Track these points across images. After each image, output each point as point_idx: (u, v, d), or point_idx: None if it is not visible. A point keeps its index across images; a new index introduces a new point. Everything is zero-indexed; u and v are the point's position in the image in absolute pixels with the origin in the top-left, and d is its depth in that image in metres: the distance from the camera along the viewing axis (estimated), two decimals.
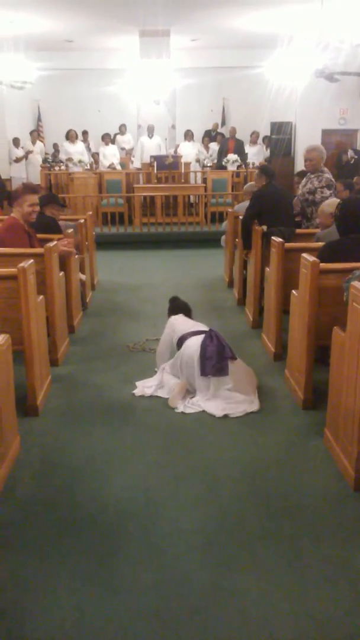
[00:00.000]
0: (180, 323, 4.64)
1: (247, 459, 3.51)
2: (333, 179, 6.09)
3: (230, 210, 8.25)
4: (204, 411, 4.09)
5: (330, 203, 5.08)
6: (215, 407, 4.07)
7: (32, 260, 4.11)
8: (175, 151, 13.18)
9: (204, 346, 4.21)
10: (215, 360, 4.16)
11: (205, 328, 4.52)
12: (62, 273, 5.24)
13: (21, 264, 3.94)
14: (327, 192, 5.93)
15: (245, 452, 3.58)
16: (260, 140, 14.52)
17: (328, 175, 6.05)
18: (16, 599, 2.42)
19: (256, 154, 13.87)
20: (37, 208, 4.97)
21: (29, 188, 4.96)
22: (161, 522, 2.92)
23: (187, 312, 4.88)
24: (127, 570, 2.58)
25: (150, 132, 13.45)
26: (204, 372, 4.18)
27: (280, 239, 5.00)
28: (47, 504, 3.07)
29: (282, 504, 3.07)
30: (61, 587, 2.48)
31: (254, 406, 4.13)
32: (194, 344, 4.30)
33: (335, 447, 3.43)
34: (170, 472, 3.36)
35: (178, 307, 4.92)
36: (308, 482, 3.26)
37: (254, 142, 14.18)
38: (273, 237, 5.13)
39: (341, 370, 3.33)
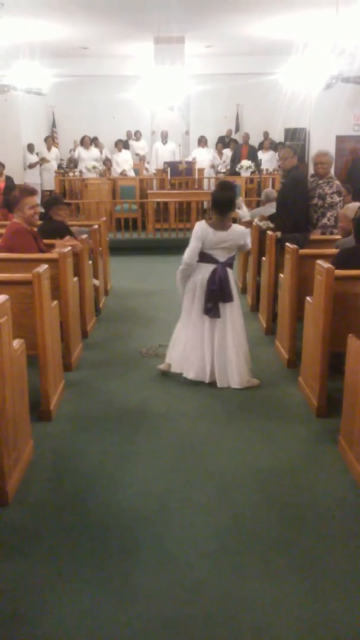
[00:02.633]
0: (207, 239, 4.53)
1: (261, 465, 3.49)
2: (342, 187, 6.03)
3: None
4: (217, 416, 4.09)
5: (353, 207, 5.00)
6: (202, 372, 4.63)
7: (46, 266, 4.13)
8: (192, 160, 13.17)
9: (209, 283, 4.56)
10: (209, 301, 4.57)
11: (221, 255, 4.59)
12: (76, 278, 5.26)
13: (36, 270, 3.96)
14: (337, 199, 5.89)
15: (258, 459, 3.56)
16: (269, 146, 14.49)
17: (338, 182, 6.01)
18: (29, 604, 2.42)
19: (269, 160, 13.86)
20: (38, 209, 4.93)
21: (26, 191, 4.88)
22: (174, 528, 2.91)
23: (223, 210, 4.54)
24: (139, 576, 2.58)
25: (164, 138, 13.48)
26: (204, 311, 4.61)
27: (295, 245, 4.98)
28: (60, 509, 3.08)
29: (296, 511, 3.05)
30: (74, 592, 2.48)
31: (237, 382, 4.58)
32: (200, 275, 4.60)
33: (350, 455, 3.40)
34: (183, 478, 3.35)
35: (215, 201, 4.57)
36: (322, 490, 3.24)
37: (266, 148, 14.17)
38: (287, 244, 5.11)
39: (356, 378, 3.31)
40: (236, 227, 4.64)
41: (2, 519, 2.99)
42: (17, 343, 3.35)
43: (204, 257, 4.58)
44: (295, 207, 5.93)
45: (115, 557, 2.70)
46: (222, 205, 4.53)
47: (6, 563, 2.68)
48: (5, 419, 3.06)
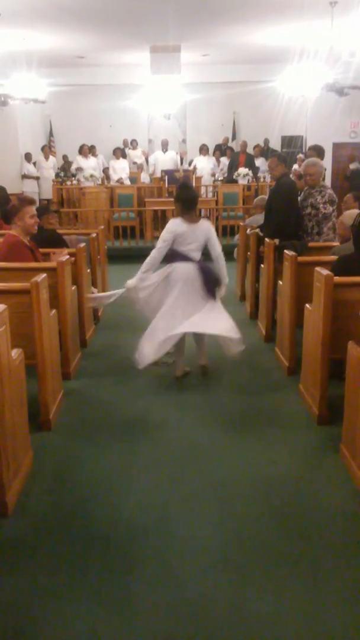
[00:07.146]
0: (180, 233, 4.62)
1: (262, 475, 3.46)
2: (334, 195, 5.99)
3: (241, 223, 8.24)
4: (218, 425, 4.05)
5: (350, 214, 4.98)
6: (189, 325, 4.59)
7: (45, 275, 4.12)
8: (190, 164, 13.18)
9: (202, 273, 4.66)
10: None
11: (195, 253, 4.69)
12: (74, 287, 5.24)
13: (34, 279, 3.94)
14: (330, 209, 5.86)
15: (259, 469, 3.54)
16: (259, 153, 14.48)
17: (330, 190, 5.95)
18: (28, 617, 2.39)
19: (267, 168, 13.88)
20: (37, 219, 4.94)
21: (25, 200, 4.89)
22: (175, 540, 2.88)
23: (192, 206, 4.70)
24: (141, 589, 2.55)
25: (165, 146, 13.51)
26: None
27: (293, 252, 4.97)
28: (60, 521, 3.05)
29: (298, 521, 3.03)
30: (74, 605, 2.45)
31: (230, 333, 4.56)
32: (182, 271, 4.62)
33: (352, 463, 3.38)
34: (184, 489, 3.33)
35: (183, 198, 4.69)
36: (324, 500, 3.21)
37: (256, 155, 14.18)
38: (286, 251, 5.10)
39: (357, 385, 3.29)
40: (203, 222, 4.75)
41: (2, 531, 2.96)
42: (15, 353, 3.33)
43: (178, 256, 4.64)
44: (279, 214, 5.93)
45: (116, 570, 2.67)
46: (187, 204, 4.64)
47: (6, 575, 2.65)
48: (4, 429, 3.03)
